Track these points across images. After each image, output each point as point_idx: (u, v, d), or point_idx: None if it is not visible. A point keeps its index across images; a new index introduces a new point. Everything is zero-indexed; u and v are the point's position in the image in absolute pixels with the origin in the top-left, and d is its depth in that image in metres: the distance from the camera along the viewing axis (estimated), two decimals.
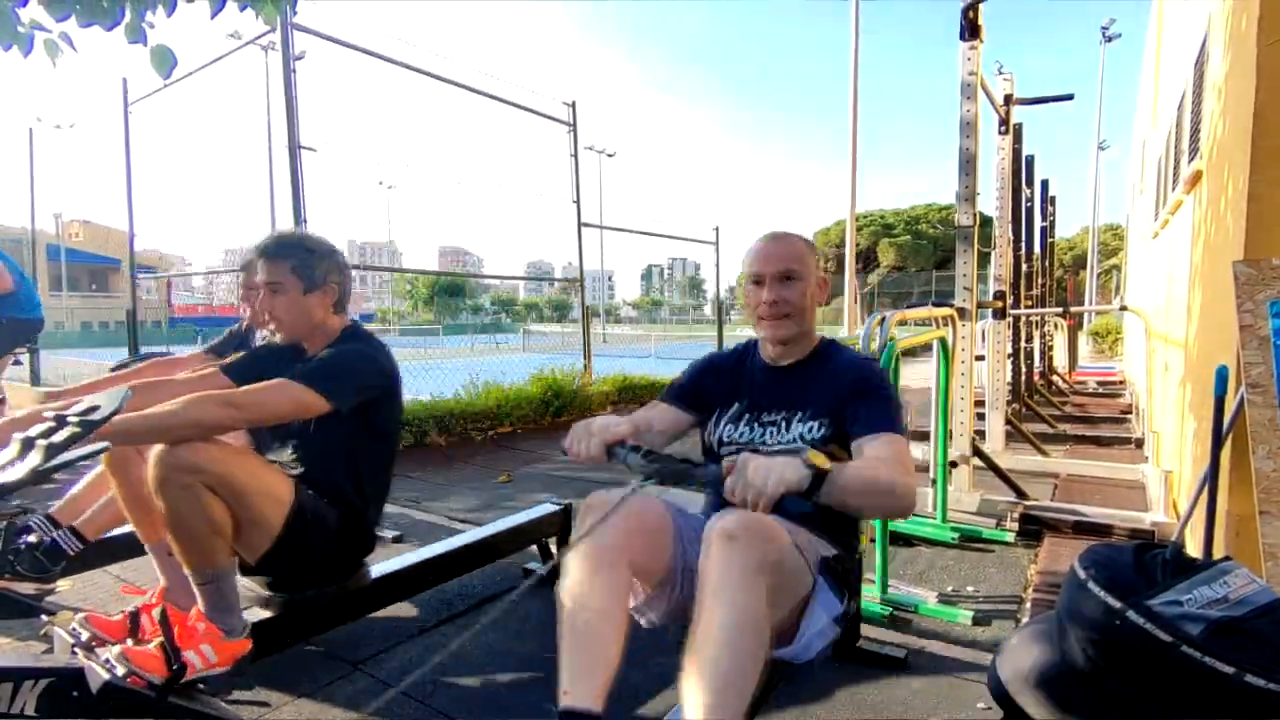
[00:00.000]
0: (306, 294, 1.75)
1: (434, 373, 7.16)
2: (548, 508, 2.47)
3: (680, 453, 1.20)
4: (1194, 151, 2.75)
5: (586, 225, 7.01)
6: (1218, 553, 1.66)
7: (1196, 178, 2.65)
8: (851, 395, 1.36)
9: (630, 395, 7.23)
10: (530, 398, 6.07)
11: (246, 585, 1.69)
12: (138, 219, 6.20)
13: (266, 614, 1.64)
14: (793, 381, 1.47)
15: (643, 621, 1.32)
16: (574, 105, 6.79)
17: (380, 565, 1.95)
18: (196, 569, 1.48)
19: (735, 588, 1.05)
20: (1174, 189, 3.43)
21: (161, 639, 1.37)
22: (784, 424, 1.43)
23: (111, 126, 6.21)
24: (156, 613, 1.46)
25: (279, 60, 4.39)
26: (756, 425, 1.46)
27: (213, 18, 2.38)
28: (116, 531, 2.21)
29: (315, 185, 4.61)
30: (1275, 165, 1.65)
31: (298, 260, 1.74)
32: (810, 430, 1.40)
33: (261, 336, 2.53)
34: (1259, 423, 1.52)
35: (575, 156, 6.82)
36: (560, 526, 2.48)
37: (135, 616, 1.58)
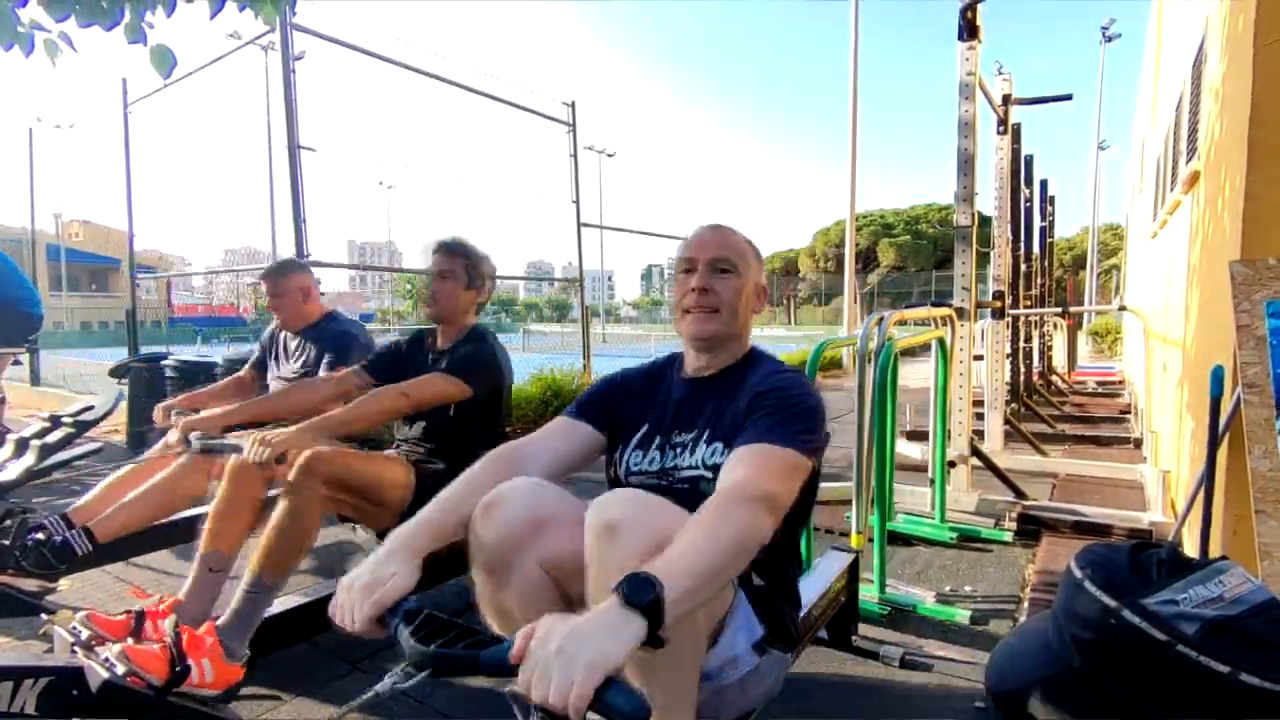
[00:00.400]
0: (466, 289, 2.09)
1: None
2: None
3: (464, 622, 0.89)
4: (1192, 152, 2.76)
5: (586, 225, 7.01)
6: (1214, 552, 1.67)
7: (1194, 178, 2.66)
8: (748, 409, 1.18)
9: None
10: (529, 398, 6.07)
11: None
12: (137, 219, 6.21)
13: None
14: (711, 395, 1.29)
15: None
16: (573, 105, 6.80)
17: None
18: (260, 576, 1.60)
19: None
20: (1172, 189, 3.43)
21: (166, 641, 1.38)
22: (691, 446, 1.24)
23: (111, 126, 6.22)
24: (166, 623, 1.49)
25: (279, 60, 4.40)
26: (667, 449, 1.27)
27: (212, 18, 2.38)
28: None
29: (315, 185, 4.61)
30: (1271, 165, 1.65)
31: (468, 259, 2.09)
32: (713, 454, 1.21)
33: (296, 341, 2.58)
34: (1255, 422, 1.53)
35: (575, 156, 6.82)
36: None
37: (140, 618, 1.59)
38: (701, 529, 0.89)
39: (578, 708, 0.68)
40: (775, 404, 1.15)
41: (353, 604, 0.94)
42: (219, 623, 1.52)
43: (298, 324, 2.56)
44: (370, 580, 0.95)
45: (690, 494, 1.14)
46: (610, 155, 34.23)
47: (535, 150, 6.67)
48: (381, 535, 1.91)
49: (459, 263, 2.08)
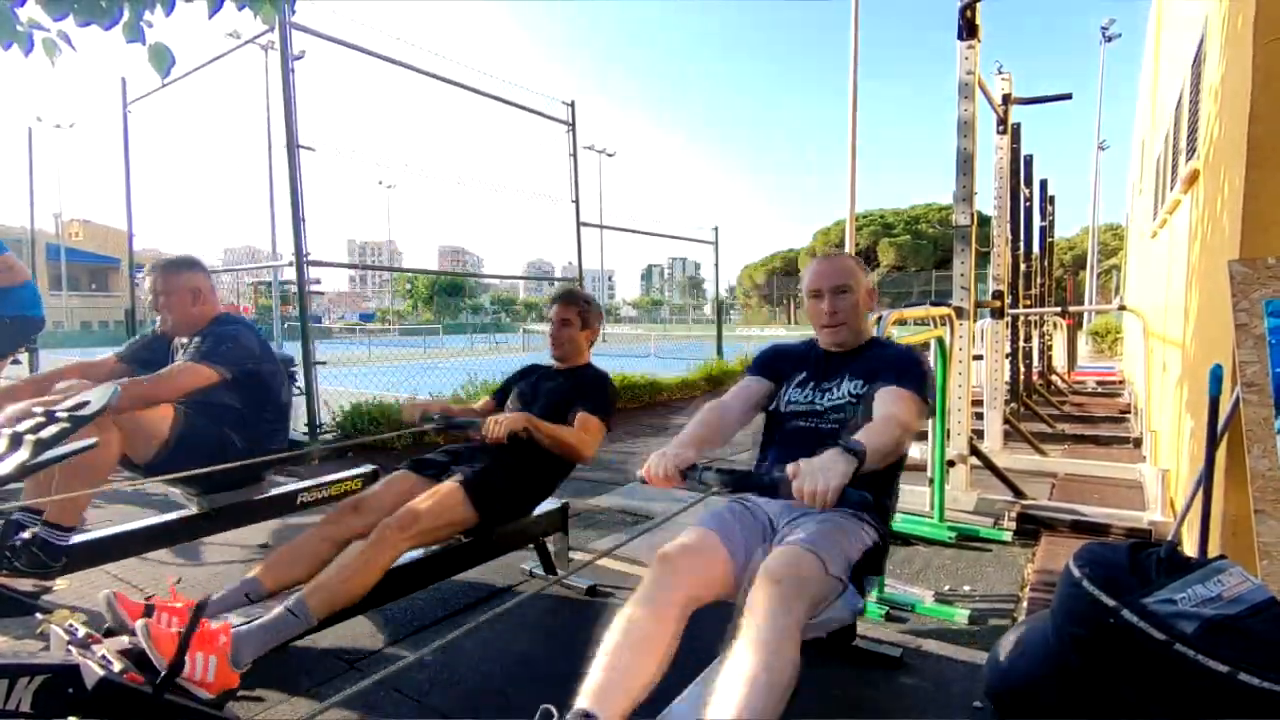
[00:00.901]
0: (581, 330, 2.44)
1: (434, 372, 7.15)
2: (545, 506, 2.47)
3: (742, 466, 1.42)
4: (1191, 151, 2.76)
5: (585, 225, 7.00)
6: (1213, 551, 1.66)
7: (1194, 177, 2.65)
8: (888, 365, 1.65)
9: (630, 395, 7.22)
10: None
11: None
12: (137, 218, 6.20)
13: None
14: (846, 361, 1.76)
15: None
16: (573, 105, 6.79)
17: None
18: (309, 604, 1.62)
19: (775, 639, 1.17)
20: (1172, 188, 3.43)
21: (181, 629, 1.37)
22: (836, 386, 1.71)
23: (111, 126, 6.21)
24: (192, 610, 1.47)
25: (279, 59, 4.39)
26: (816, 390, 1.74)
27: (210, 17, 2.37)
28: (114, 530, 2.21)
29: (315, 184, 4.61)
30: (1270, 165, 1.65)
31: (583, 307, 2.45)
32: (856, 387, 1.67)
33: (180, 343, 2.50)
34: (1254, 422, 1.52)
35: (574, 156, 6.82)
36: (558, 525, 2.48)
37: (149, 608, 1.57)
38: (876, 430, 1.38)
39: (834, 496, 1.14)
40: (904, 364, 1.64)
41: (665, 461, 1.39)
42: (243, 628, 1.51)
43: (185, 329, 2.44)
44: (674, 451, 1.42)
45: (839, 411, 1.67)
46: (610, 155, 34.19)
47: (535, 150, 6.67)
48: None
49: (575, 311, 2.43)
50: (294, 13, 3.99)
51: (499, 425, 2.02)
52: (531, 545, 2.44)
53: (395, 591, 1.97)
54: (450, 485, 1.99)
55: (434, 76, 5.54)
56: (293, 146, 4.37)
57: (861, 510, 1.38)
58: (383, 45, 5.12)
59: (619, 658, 1.20)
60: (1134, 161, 9.04)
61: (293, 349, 4.34)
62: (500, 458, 2.14)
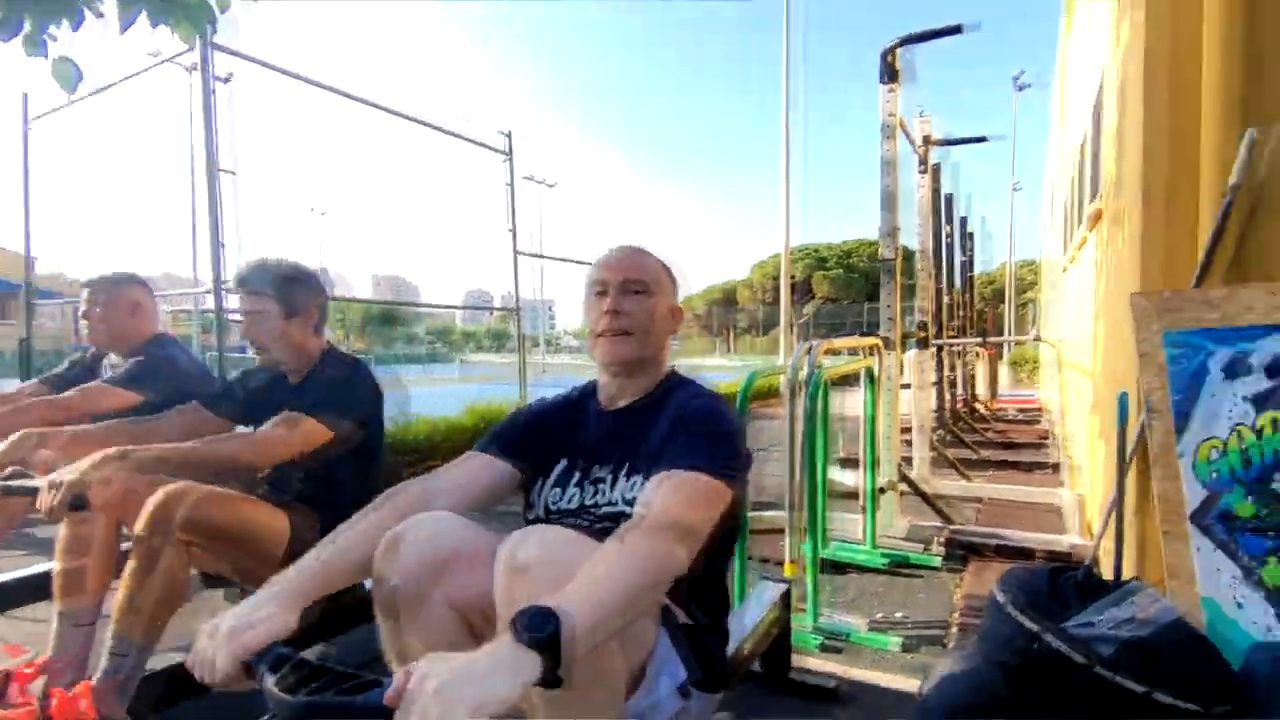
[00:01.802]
0: (288, 320, 1.79)
1: None
2: None
3: (337, 664, 0.81)
4: (1095, 192, 2.94)
5: (523, 254, 6.96)
6: (1127, 572, 1.72)
7: (1098, 216, 2.82)
8: (675, 429, 1.13)
9: None
10: (463, 429, 5.91)
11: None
12: (41, 241, 5.81)
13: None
14: (629, 427, 1.24)
15: None
16: (510, 135, 6.79)
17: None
18: (123, 636, 1.40)
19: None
20: (1079, 226, 3.65)
21: (33, 705, 1.23)
22: (610, 481, 1.21)
23: (9, 143, 5.83)
24: (35, 686, 1.33)
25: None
26: (587, 484, 1.23)
27: (122, 33, 2.26)
28: None
29: (241, 210, 4.43)
30: (1164, 204, 1.76)
31: (278, 287, 1.79)
32: (633, 487, 1.17)
33: (109, 365, 2.30)
34: (1158, 446, 1.59)
35: (511, 185, 6.79)
36: None
37: (5, 679, 1.42)
38: (608, 560, 0.84)
39: None
40: (692, 429, 1.11)
41: (214, 650, 0.84)
42: (95, 681, 1.37)
43: (120, 345, 2.23)
44: (237, 624, 0.86)
45: (614, 521, 1.10)
46: (551, 186, 34.33)
47: (473, 179, 6.62)
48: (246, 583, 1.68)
49: (266, 296, 1.78)
50: (215, 33, 3.85)
51: (56, 491, 1.39)
52: None
53: (309, 641, 1.83)
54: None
55: (368, 104, 5.45)
56: (213, 170, 4.19)
57: None
58: (315, 71, 5.01)
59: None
60: (1045, 201, 9.64)
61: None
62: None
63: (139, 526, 1.42)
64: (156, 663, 1.53)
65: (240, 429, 1.89)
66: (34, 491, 1.44)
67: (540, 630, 0.70)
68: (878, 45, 3.46)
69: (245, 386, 1.94)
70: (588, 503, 1.21)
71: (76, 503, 1.37)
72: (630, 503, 1.13)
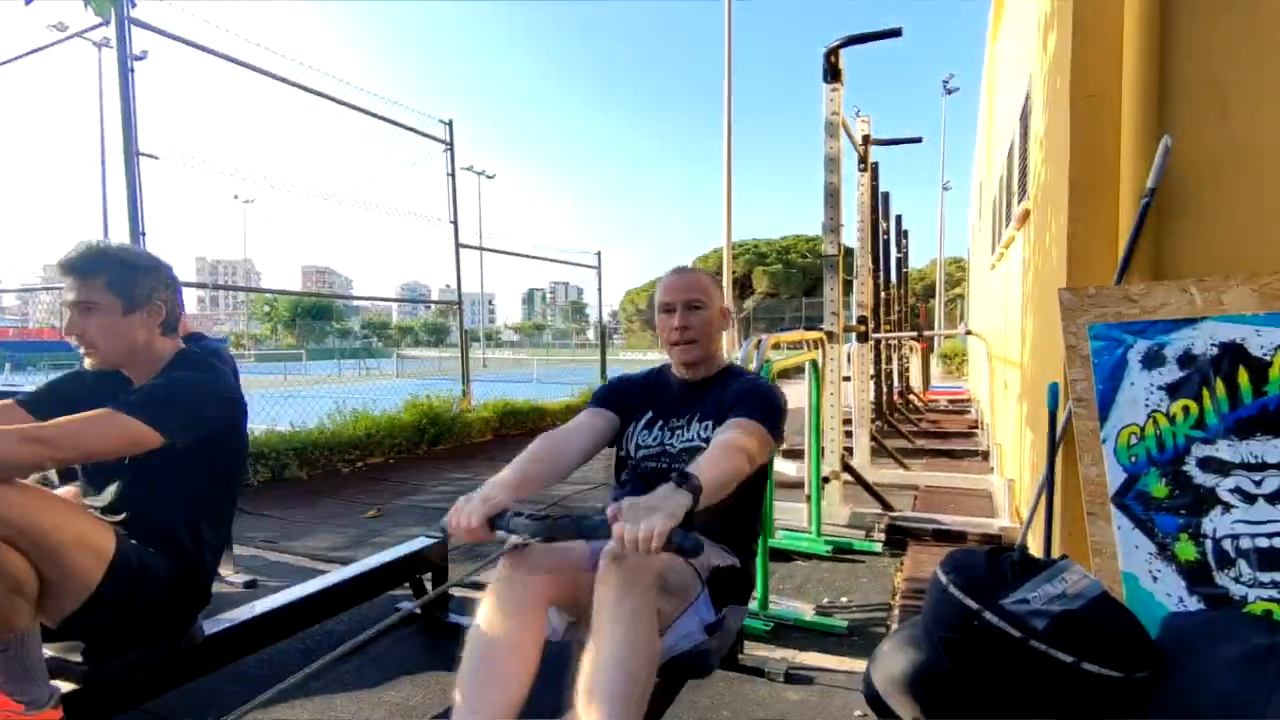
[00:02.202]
0: (127, 314, 1.51)
1: (295, 400, 6.65)
2: (422, 541, 2.33)
3: (561, 511, 1.28)
4: (1023, 193, 3.09)
5: (465, 246, 6.83)
6: (1056, 552, 1.83)
7: (1026, 216, 2.97)
8: (739, 398, 1.54)
9: (513, 421, 7.06)
10: (404, 425, 5.78)
11: (51, 654, 1.41)
12: None
13: (73, 686, 1.39)
14: (698, 394, 1.65)
15: (554, 637, 1.39)
16: (451, 124, 6.64)
17: (225, 616, 1.74)
18: None
19: (628, 616, 1.14)
20: (1008, 226, 3.83)
21: None
22: (687, 426, 1.60)
23: None
24: None
25: (114, 58, 3.97)
26: (666, 430, 1.62)
27: (28, 3, 2.12)
28: None
29: (159, 197, 4.19)
30: (1088, 205, 1.87)
31: (114, 275, 1.50)
32: (705, 429, 1.56)
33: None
34: (1083, 433, 1.70)
35: (452, 176, 6.65)
36: (436, 560, 2.34)
37: None
38: (714, 459, 1.29)
39: (659, 541, 1.02)
40: (754, 396, 1.54)
41: (470, 510, 1.22)
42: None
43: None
44: (484, 494, 1.26)
45: (691, 454, 1.46)
46: (490, 177, 33.74)
47: (410, 168, 6.44)
48: (52, 629, 1.38)
49: (100, 286, 1.49)
50: (135, 6, 3.63)
51: None
52: (406, 583, 2.30)
53: (246, 647, 1.77)
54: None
55: (300, 87, 5.23)
56: (131, 154, 3.94)
57: (694, 555, 1.09)
58: (242, 50, 4.77)
59: (478, 679, 1.16)
60: (974, 201, 10.06)
61: None
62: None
63: None
64: None
65: None
66: None
67: (692, 483, 1.14)
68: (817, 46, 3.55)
69: (75, 388, 1.61)
70: (666, 443, 1.60)
71: None
72: (705, 440, 1.53)
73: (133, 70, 3.93)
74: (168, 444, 1.41)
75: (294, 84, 5.17)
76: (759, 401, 1.51)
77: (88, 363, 1.55)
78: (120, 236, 4.04)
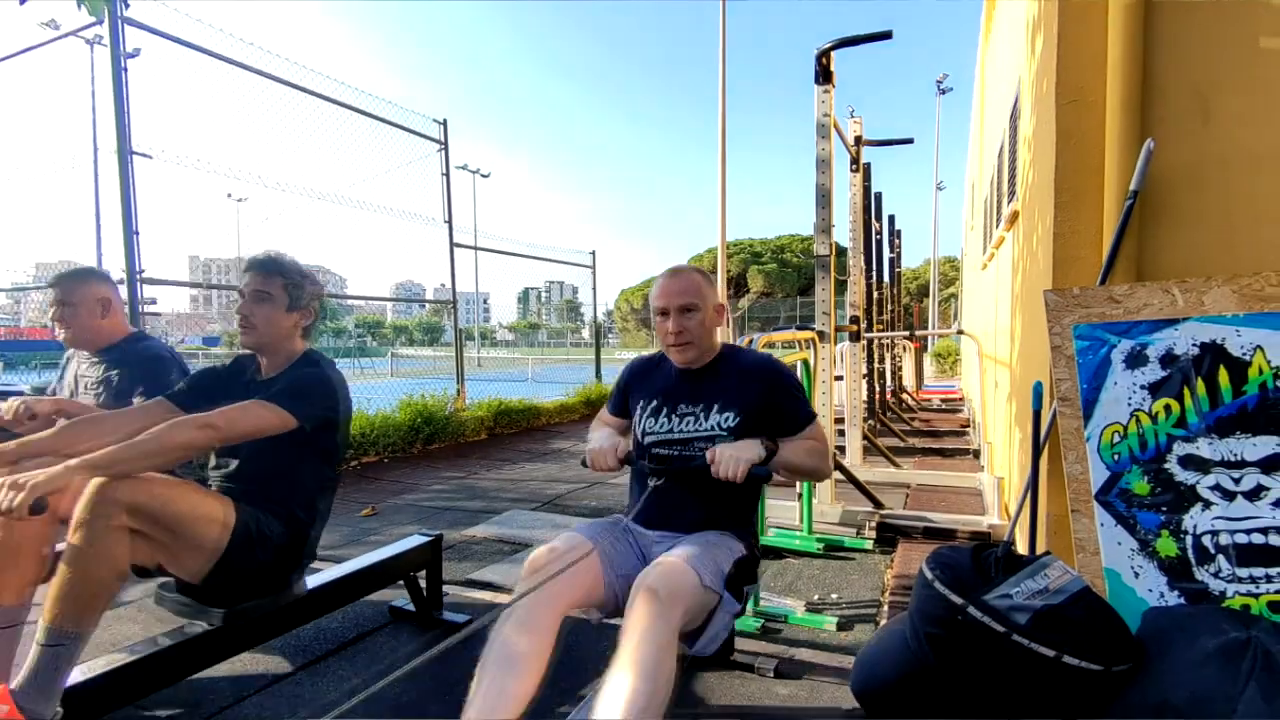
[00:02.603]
0: (289, 311, 1.87)
1: None
2: (416, 540, 2.35)
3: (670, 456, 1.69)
4: (1012, 194, 3.12)
5: (459, 246, 6.83)
6: (1040, 548, 1.86)
7: (1014, 217, 3.01)
8: (768, 391, 1.69)
9: (507, 421, 7.07)
10: (398, 425, 5.78)
11: (180, 600, 1.72)
12: None
13: (206, 626, 1.70)
14: (703, 382, 1.74)
15: (591, 618, 1.60)
16: (445, 124, 6.65)
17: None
18: (58, 626, 1.35)
19: (655, 656, 1.22)
20: (998, 226, 3.87)
21: None
22: (701, 415, 1.70)
23: None
24: None
25: (108, 56, 3.97)
26: (674, 417, 1.72)
27: (22, 3, 2.12)
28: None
29: (151, 195, 4.18)
30: (1073, 208, 1.90)
31: (289, 278, 1.87)
32: (725, 419, 1.67)
33: (94, 365, 2.21)
34: (1068, 431, 1.73)
35: (447, 175, 6.66)
36: (430, 559, 2.36)
37: None
38: (801, 449, 1.62)
39: (744, 470, 1.44)
40: (790, 390, 1.71)
41: (606, 450, 1.64)
42: (15, 685, 1.30)
43: (93, 343, 2.20)
44: (614, 443, 1.67)
45: (712, 440, 1.64)
46: (485, 176, 33.68)
47: (406, 167, 6.44)
48: (186, 588, 1.68)
49: (277, 283, 1.85)
50: (128, 6, 3.63)
51: (14, 491, 1.36)
52: (401, 581, 2.31)
53: (243, 643, 1.79)
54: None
55: (294, 86, 5.23)
56: (125, 153, 3.94)
57: (766, 480, 1.57)
58: (238, 51, 4.77)
59: (497, 680, 1.24)
60: (966, 201, 10.12)
61: None
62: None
63: (80, 508, 1.40)
64: (88, 670, 1.47)
65: None
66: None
67: (770, 444, 1.55)
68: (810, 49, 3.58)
69: (213, 380, 1.89)
70: (675, 430, 1.71)
71: (37, 505, 1.36)
72: (726, 429, 1.66)
73: (126, 69, 3.93)
74: (300, 428, 1.73)
75: (287, 83, 5.17)
76: (796, 394, 1.71)
77: (242, 339, 1.86)
78: (115, 235, 4.03)
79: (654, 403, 1.76)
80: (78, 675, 1.44)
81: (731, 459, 1.44)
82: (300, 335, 1.92)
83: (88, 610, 1.40)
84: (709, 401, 1.71)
